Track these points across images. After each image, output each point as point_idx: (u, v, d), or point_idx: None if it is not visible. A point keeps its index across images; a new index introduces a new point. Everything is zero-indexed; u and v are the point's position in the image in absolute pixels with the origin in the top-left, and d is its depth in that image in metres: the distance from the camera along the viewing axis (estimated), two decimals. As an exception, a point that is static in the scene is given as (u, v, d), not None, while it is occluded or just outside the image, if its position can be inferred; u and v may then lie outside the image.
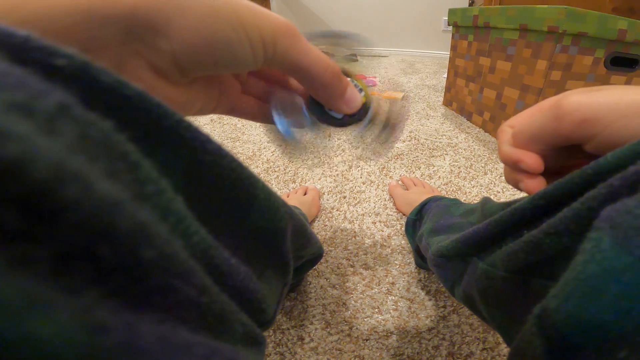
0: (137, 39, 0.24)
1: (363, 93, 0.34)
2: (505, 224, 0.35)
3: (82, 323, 0.13)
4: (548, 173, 0.33)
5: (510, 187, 1.16)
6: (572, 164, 0.34)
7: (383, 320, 0.75)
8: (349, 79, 0.33)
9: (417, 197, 0.98)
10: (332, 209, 1.10)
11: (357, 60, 0.35)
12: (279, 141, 0.36)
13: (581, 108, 0.27)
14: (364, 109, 0.34)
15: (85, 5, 0.22)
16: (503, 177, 1.20)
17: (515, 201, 0.38)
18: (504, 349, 0.68)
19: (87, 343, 0.13)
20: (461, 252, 0.43)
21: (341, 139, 1.53)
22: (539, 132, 0.31)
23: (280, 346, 0.70)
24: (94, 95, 0.18)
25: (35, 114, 0.13)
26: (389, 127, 0.36)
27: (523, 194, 0.35)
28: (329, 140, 0.39)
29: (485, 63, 1.55)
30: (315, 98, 0.32)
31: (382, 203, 1.11)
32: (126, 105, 0.19)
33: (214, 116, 1.88)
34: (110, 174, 0.15)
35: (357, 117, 0.34)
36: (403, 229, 0.99)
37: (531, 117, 0.34)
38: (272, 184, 1.24)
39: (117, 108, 0.19)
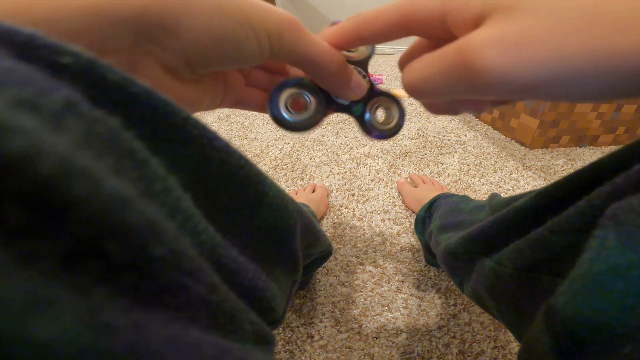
0: (148, 39, 0.24)
1: (367, 79, 0.35)
2: (509, 222, 0.35)
3: (89, 323, 0.13)
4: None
5: (521, 184, 1.15)
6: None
7: (393, 318, 0.74)
8: (353, 66, 0.33)
9: (426, 195, 0.97)
10: (341, 206, 1.10)
11: (372, 55, 0.35)
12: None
13: (510, 80, 0.19)
14: (369, 93, 0.35)
15: (94, 7, 0.22)
16: (513, 175, 1.20)
17: (520, 196, 0.38)
18: (515, 347, 0.68)
19: (92, 345, 0.12)
20: (468, 249, 0.43)
21: (348, 137, 1.53)
22: (445, 91, 0.23)
23: (290, 344, 0.70)
24: (101, 92, 0.17)
25: (42, 110, 0.13)
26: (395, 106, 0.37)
27: (529, 188, 0.35)
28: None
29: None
30: (322, 87, 0.33)
31: (391, 200, 1.11)
32: (133, 102, 0.19)
33: (222, 114, 1.89)
34: (118, 171, 0.15)
35: (362, 101, 0.35)
36: (412, 226, 0.99)
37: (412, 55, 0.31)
38: (280, 182, 1.24)
39: (124, 105, 0.18)
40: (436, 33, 0.25)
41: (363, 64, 0.35)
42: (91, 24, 0.22)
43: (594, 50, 0.18)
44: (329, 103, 0.34)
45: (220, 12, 0.25)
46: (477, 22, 0.21)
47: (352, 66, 0.33)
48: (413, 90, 0.25)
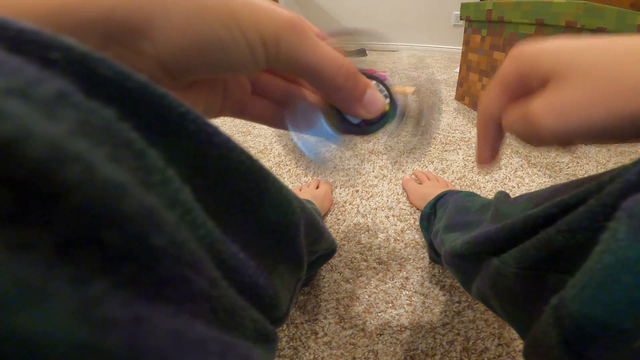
0: (118, 43, 0.22)
1: (388, 100, 0.30)
2: (518, 230, 0.34)
3: (85, 317, 0.12)
4: None
5: (525, 182, 1.15)
6: None
7: (397, 315, 0.74)
8: (373, 82, 0.30)
9: (431, 191, 0.97)
10: (345, 202, 1.09)
11: (366, 55, 0.32)
12: (297, 154, 0.32)
13: (557, 134, 0.26)
14: (388, 113, 0.31)
15: (57, 7, 0.20)
16: (518, 172, 1.19)
17: (527, 199, 0.37)
18: (520, 345, 0.68)
19: (86, 341, 0.12)
20: (475, 250, 0.42)
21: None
22: (522, 136, 0.30)
23: (294, 340, 0.70)
24: (94, 86, 0.17)
25: (33, 99, 0.13)
26: (421, 126, 0.33)
27: (536, 187, 0.35)
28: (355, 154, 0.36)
29: (500, 57, 1.53)
30: (329, 102, 0.29)
31: (395, 197, 1.11)
32: (127, 96, 0.18)
33: (226, 111, 1.88)
34: (114, 160, 0.15)
35: (379, 123, 0.31)
36: (417, 223, 0.99)
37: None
38: (284, 178, 1.24)
39: (119, 99, 0.18)
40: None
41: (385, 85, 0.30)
42: (55, 26, 0.20)
43: (613, 113, 0.23)
44: (338, 123, 0.30)
45: (201, 12, 0.22)
46: (544, 81, 0.27)
47: (371, 80, 0.29)
48: (506, 130, 0.32)
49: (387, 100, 0.30)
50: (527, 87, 0.28)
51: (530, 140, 0.29)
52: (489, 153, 0.33)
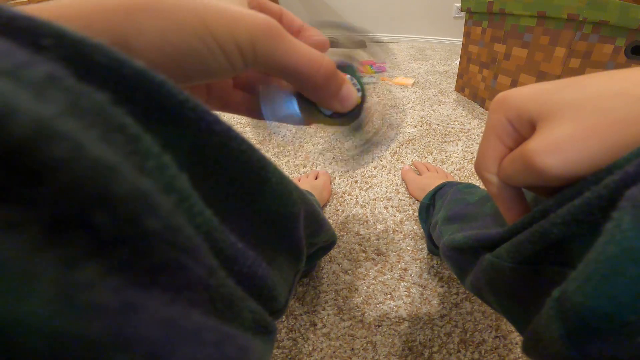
0: None
1: (360, 93, 0.32)
2: (518, 230, 0.34)
3: (71, 302, 0.12)
4: None
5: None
6: None
7: (395, 306, 0.74)
8: (347, 75, 0.31)
9: (430, 182, 0.97)
10: (344, 193, 1.09)
11: (365, 47, 0.33)
12: (262, 130, 0.34)
13: (563, 168, 0.25)
14: (358, 108, 0.32)
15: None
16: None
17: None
18: (517, 337, 0.68)
19: (67, 328, 0.12)
20: (474, 246, 0.42)
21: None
22: (522, 183, 0.30)
23: (293, 332, 0.70)
24: (87, 71, 0.17)
25: (22, 81, 0.12)
26: (377, 136, 0.35)
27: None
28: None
29: (500, 50, 1.52)
30: (305, 96, 0.30)
31: (394, 188, 1.10)
32: (123, 83, 0.18)
33: (225, 101, 1.87)
34: (106, 142, 0.14)
35: (348, 116, 0.32)
36: (415, 214, 0.99)
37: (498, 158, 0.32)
38: (283, 168, 1.24)
39: (114, 84, 0.18)
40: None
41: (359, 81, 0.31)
42: None
43: (608, 144, 0.24)
44: (310, 111, 0.31)
45: (174, 26, 0.22)
46: (532, 124, 0.28)
47: (347, 76, 0.30)
48: (505, 181, 0.32)
49: (360, 93, 0.32)
50: (517, 134, 0.30)
51: (535, 182, 0.28)
52: (515, 211, 0.33)
